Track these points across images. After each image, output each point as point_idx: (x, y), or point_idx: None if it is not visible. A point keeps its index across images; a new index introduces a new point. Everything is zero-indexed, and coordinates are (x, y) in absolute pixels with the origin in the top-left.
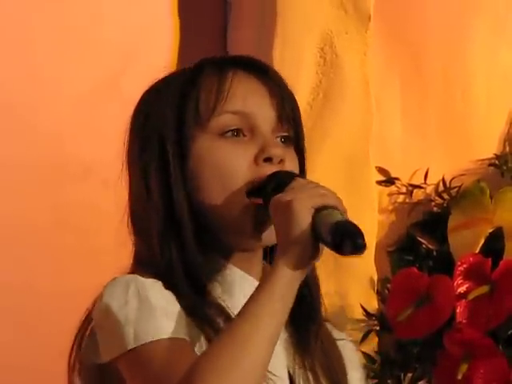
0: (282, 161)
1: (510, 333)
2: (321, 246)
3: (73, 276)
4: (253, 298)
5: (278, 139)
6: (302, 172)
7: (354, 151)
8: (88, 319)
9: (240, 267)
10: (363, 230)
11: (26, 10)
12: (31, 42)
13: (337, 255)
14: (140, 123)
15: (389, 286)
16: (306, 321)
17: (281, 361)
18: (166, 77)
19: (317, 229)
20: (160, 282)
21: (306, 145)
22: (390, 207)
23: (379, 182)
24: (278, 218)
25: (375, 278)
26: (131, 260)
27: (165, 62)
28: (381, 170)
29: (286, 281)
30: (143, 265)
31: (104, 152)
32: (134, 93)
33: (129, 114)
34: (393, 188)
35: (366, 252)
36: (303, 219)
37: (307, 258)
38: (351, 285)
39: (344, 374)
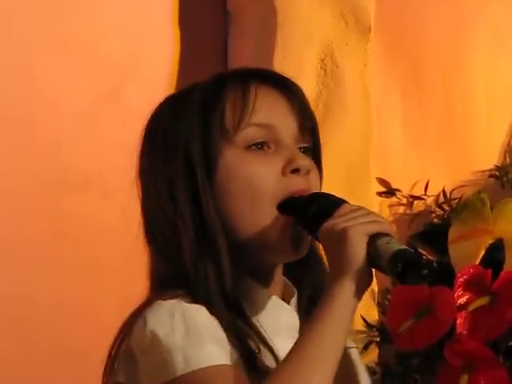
0: (308, 172)
1: (510, 344)
2: (373, 271)
3: (72, 287)
4: (315, 324)
5: (299, 150)
6: (320, 182)
7: (355, 162)
8: (119, 344)
9: (264, 286)
10: None
11: (25, 22)
12: (31, 53)
13: None
14: (160, 138)
15: (389, 297)
16: None
17: None
18: (181, 91)
19: (373, 256)
20: (204, 308)
21: None
22: (391, 218)
23: (380, 193)
24: (331, 246)
25: (376, 289)
26: (148, 279)
27: (165, 73)
28: (381, 181)
29: (346, 310)
30: (168, 284)
31: (104, 163)
32: (134, 104)
33: (129, 125)
34: (393, 199)
35: None
36: (360, 248)
37: (364, 285)
38: None
39: (357, 381)
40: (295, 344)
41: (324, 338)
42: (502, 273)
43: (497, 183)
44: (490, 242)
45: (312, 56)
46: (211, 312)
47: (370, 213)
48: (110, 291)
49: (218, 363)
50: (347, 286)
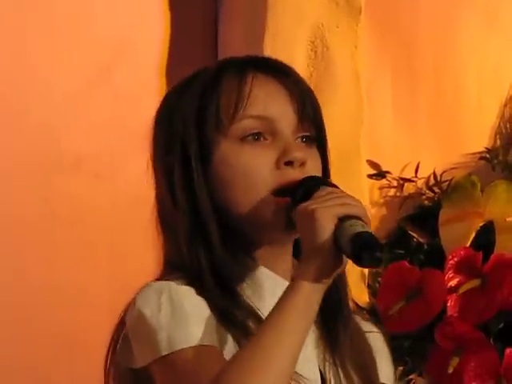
0: (303, 163)
1: (500, 326)
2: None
3: (62, 269)
4: (276, 311)
5: (299, 139)
6: (326, 169)
7: (345, 145)
8: (121, 324)
9: (268, 267)
10: None
11: (17, 4)
12: (23, 35)
13: None
14: (164, 125)
15: (379, 279)
16: (333, 318)
17: (312, 362)
18: (189, 76)
19: (338, 239)
20: (193, 289)
21: None
22: (381, 201)
23: (370, 176)
24: (302, 226)
25: (366, 271)
26: (160, 260)
27: (156, 56)
28: (372, 164)
29: (307, 293)
30: (173, 267)
31: (95, 145)
32: (126, 86)
33: (120, 107)
34: (384, 181)
35: None
36: (325, 229)
37: (329, 268)
38: None
39: (374, 367)
40: (260, 327)
41: (284, 323)
42: (493, 255)
43: (487, 166)
44: (481, 224)
45: (302, 38)
46: (204, 294)
47: (344, 196)
48: (101, 273)
49: (198, 344)
50: (309, 270)
